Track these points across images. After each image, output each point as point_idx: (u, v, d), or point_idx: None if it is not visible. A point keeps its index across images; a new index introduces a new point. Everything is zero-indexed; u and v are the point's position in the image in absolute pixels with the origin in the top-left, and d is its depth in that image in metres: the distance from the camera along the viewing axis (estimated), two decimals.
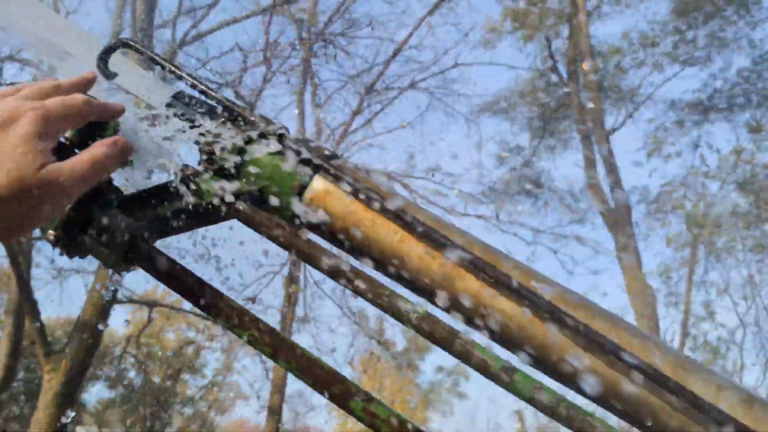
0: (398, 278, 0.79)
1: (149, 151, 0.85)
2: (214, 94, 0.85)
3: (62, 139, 0.82)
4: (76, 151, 0.82)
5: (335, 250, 0.81)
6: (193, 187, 0.82)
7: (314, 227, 0.81)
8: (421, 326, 0.75)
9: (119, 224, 0.76)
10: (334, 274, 0.76)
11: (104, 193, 0.79)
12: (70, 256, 0.79)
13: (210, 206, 0.81)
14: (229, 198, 0.80)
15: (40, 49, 0.97)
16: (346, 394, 0.72)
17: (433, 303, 0.78)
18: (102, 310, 7.47)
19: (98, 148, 0.70)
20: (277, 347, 0.73)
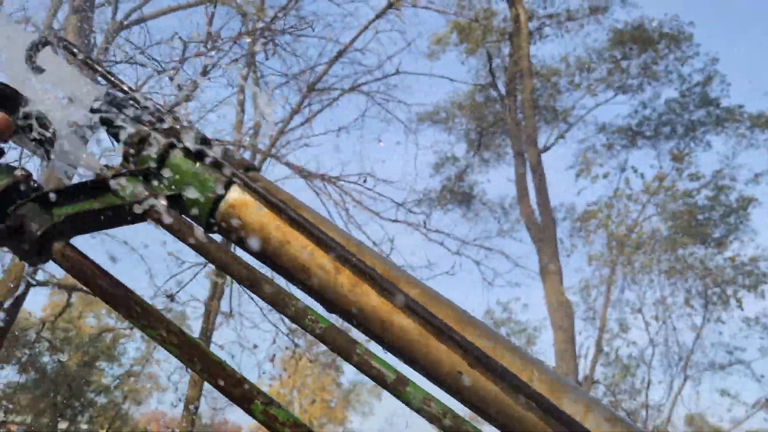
0: (306, 289, 0.83)
1: (72, 148, 0.87)
2: (138, 97, 0.88)
3: None
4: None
5: (247, 257, 0.85)
6: (112, 187, 0.84)
7: (228, 235, 0.85)
8: (325, 336, 0.80)
9: (34, 219, 0.78)
10: (245, 281, 0.80)
11: (22, 187, 0.80)
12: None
13: (128, 207, 0.83)
14: (146, 200, 0.83)
15: None
16: (248, 397, 0.76)
17: (338, 314, 0.83)
18: (15, 291, 7.21)
19: None
20: (184, 348, 0.77)
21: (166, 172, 0.85)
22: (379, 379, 0.78)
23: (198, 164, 0.85)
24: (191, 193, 0.84)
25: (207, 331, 12.00)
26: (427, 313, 0.78)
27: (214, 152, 0.84)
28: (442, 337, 0.77)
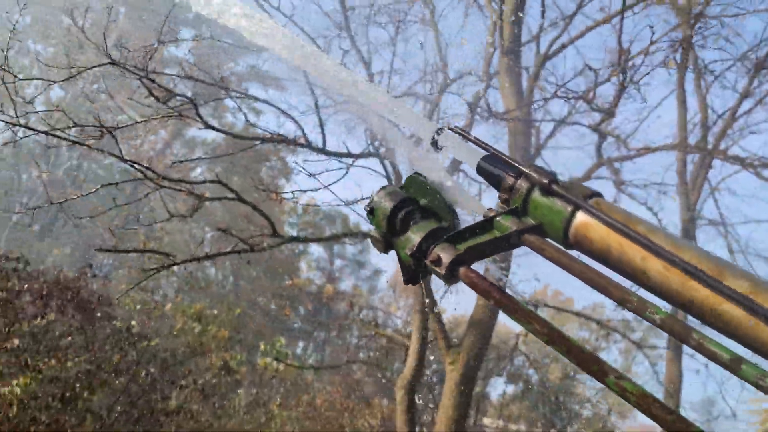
0: (643, 286, 1.02)
1: (464, 200, 1.24)
2: (509, 160, 1.19)
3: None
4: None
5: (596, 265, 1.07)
6: (495, 224, 1.17)
7: (580, 249, 1.09)
8: (664, 324, 0.98)
9: (446, 252, 1.15)
10: (590, 283, 1.04)
11: (439, 232, 1.19)
12: (414, 282, 1.22)
13: (508, 237, 1.15)
14: (520, 231, 1.13)
15: (375, 123, 1.44)
16: (603, 372, 0.98)
17: (673, 305, 0.99)
18: (492, 309, 8.32)
19: None
20: (552, 336, 1.03)
21: (530, 208, 1.15)
22: (715, 359, 0.92)
23: (552, 198, 1.12)
24: (549, 221, 1.12)
25: None
26: (751, 302, 0.89)
27: (561, 188, 1.10)
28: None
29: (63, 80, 5.65)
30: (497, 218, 1.17)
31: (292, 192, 7.19)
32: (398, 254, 1.22)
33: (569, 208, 1.10)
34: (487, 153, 1.26)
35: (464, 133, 1.27)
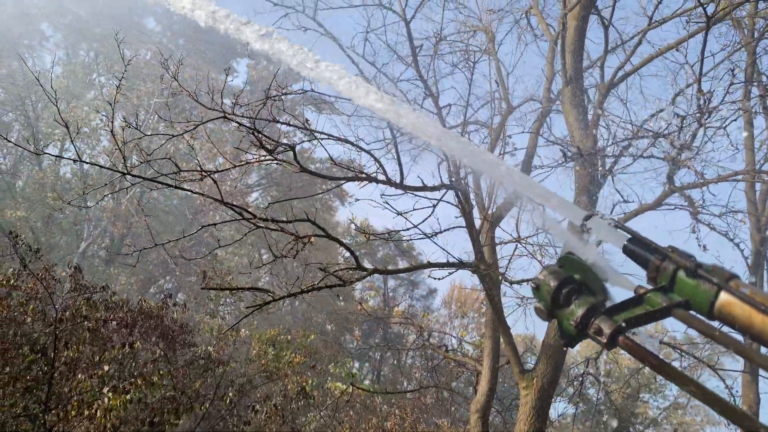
0: None
1: (612, 276, 1.48)
2: (654, 245, 1.43)
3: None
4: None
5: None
6: (647, 299, 1.41)
7: (725, 323, 1.32)
8: None
9: (606, 324, 1.39)
10: (738, 352, 1.26)
11: (597, 306, 1.43)
12: (572, 346, 1.46)
13: (659, 311, 1.39)
14: (672, 306, 1.36)
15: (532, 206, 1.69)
16: (755, 428, 1.21)
17: None
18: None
19: None
20: (706, 398, 1.26)
21: (677, 285, 1.38)
22: None
23: (696, 280, 1.35)
24: (695, 299, 1.35)
25: None
26: None
27: (705, 271, 1.33)
28: None
29: (181, 134, 6.13)
30: (647, 294, 1.41)
31: (388, 233, 7.54)
32: (561, 323, 1.47)
33: (714, 289, 1.33)
34: (631, 237, 1.50)
35: (612, 219, 1.52)
